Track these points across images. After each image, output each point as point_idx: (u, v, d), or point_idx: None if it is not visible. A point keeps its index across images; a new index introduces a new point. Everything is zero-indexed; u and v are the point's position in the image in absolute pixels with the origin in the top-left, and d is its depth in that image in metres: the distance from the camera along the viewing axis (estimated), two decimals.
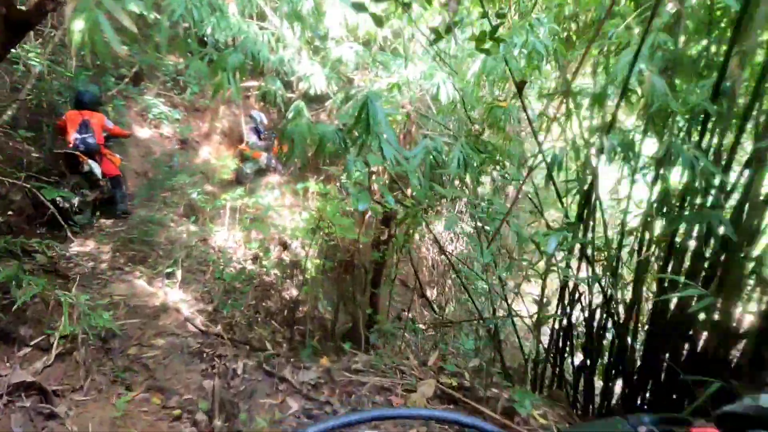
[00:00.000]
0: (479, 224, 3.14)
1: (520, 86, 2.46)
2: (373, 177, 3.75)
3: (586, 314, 2.57)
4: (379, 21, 2.18)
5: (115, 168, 5.20)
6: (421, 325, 5.89)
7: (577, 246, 2.40)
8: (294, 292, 6.29)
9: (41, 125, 5.68)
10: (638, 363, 2.46)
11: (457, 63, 4.03)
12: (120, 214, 5.18)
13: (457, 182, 3.73)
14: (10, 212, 4.55)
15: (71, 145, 4.73)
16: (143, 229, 5.05)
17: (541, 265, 2.67)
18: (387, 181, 3.17)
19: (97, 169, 4.81)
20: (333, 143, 2.49)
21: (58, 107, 5.81)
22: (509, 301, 3.09)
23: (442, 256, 7.53)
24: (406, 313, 5.35)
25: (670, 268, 2.29)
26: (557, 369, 2.84)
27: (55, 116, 5.85)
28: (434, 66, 3.74)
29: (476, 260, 7.93)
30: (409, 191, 4.27)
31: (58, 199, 4.19)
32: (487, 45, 1.99)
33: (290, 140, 2.73)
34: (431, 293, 8.18)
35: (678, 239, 2.26)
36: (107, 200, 5.18)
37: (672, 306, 2.28)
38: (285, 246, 6.71)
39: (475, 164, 2.76)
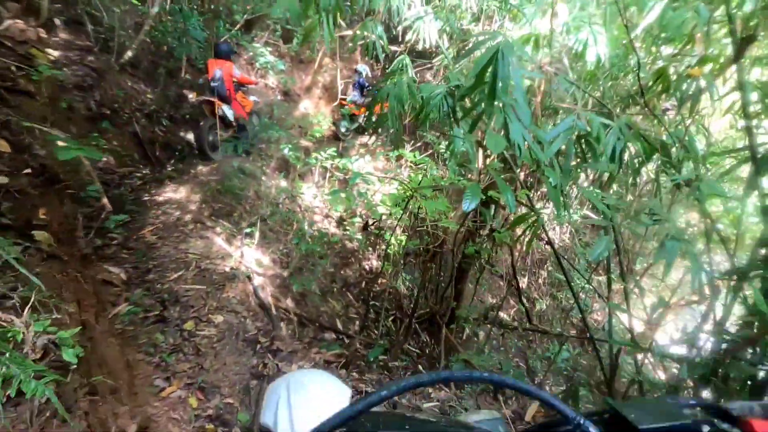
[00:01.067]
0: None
1: (744, 44, 1.55)
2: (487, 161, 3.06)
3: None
4: None
5: (244, 112, 5.74)
6: (511, 323, 5.17)
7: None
8: (374, 263, 5.96)
9: (158, 67, 5.86)
10: None
11: (611, 14, 3.02)
12: (242, 154, 5.81)
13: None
14: (119, 150, 4.77)
15: (208, 92, 5.31)
16: (235, 180, 5.00)
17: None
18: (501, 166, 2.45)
19: (229, 113, 5.40)
20: (438, 111, 1.85)
21: (173, 50, 5.94)
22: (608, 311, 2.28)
23: (543, 245, 6.58)
24: (494, 313, 4.69)
25: None
26: None
27: (172, 59, 6.02)
28: (581, 16, 2.82)
29: (580, 256, 6.83)
30: (521, 174, 3.50)
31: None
32: None
33: (386, 101, 2.17)
34: (522, 283, 7.32)
35: None
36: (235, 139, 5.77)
37: None
38: (371, 216, 6.34)
39: (637, 160, 1.93)
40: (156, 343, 2.12)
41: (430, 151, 6.64)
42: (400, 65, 3.81)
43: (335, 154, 6.00)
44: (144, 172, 4.83)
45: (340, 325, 3.97)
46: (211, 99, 5.24)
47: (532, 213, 1.92)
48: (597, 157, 1.73)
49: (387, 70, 3.98)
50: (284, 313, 3.18)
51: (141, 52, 5.83)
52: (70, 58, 4.84)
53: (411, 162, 6.29)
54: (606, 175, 2.48)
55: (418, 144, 7.01)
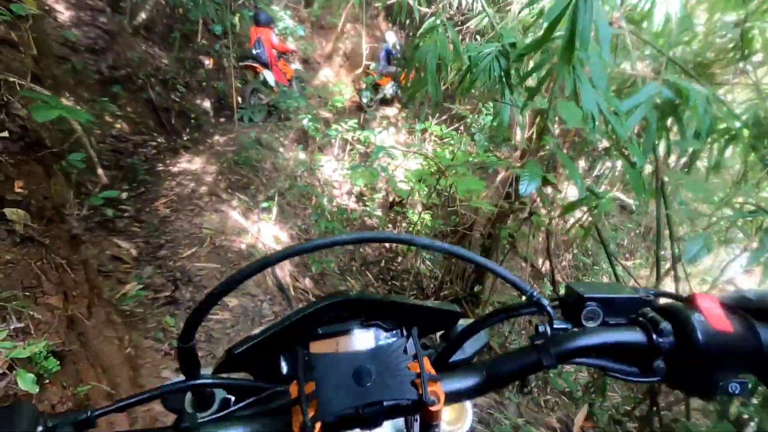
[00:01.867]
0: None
1: None
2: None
3: None
4: None
5: (284, 79, 5.99)
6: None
7: None
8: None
9: (173, 30, 5.58)
10: None
11: None
12: (281, 117, 6.03)
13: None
14: (133, 117, 4.57)
15: (251, 58, 5.62)
16: (252, 151, 4.79)
17: None
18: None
19: (270, 79, 5.65)
20: (488, 74, 1.56)
21: (189, 12, 5.63)
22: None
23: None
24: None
25: None
26: None
27: (188, 22, 5.72)
28: None
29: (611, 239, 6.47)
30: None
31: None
32: None
33: (420, 65, 1.87)
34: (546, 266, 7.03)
35: None
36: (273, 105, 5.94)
37: None
38: (395, 193, 6.09)
39: (724, 138, 1.62)
40: (165, 327, 1.97)
41: (456, 124, 6.27)
42: (431, 26, 3.44)
43: (356, 126, 5.70)
44: (159, 140, 4.64)
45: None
46: (253, 65, 5.54)
47: (593, 197, 1.63)
48: (684, 132, 1.43)
49: (419, 33, 3.63)
50: (302, 294, 3.01)
51: (155, 14, 5.55)
52: (82, 19, 4.60)
53: (436, 136, 5.95)
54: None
55: (443, 117, 6.63)
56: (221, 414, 0.41)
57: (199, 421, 0.38)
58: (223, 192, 3.55)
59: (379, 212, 5.90)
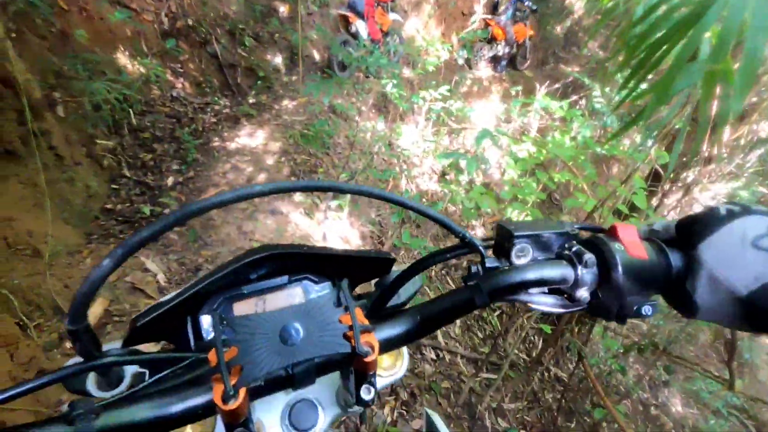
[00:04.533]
0: None
1: None
2: None
3: None
4: None
5: (378, 31, 5.29)
6: None
7: None
8: (479, 234, 4.83)
9: None
10: None
11: None
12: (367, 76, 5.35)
13: None
14: (195, 75, 3.99)
15: (347, 4, 5.04)
16: (324, 120, 4.04)
17: None
18: None
19: (363, 30, 5.02)
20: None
21: None
22: None
23: None
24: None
25: None
26: None
27: None
28: None
29: None
30: None
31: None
32: None
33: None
34: None
35: None
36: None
37: None
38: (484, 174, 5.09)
39: None
40: None
41: (573, 97, 4.95)
42: None
43: (449, 92, 4.69)
44: (222, 103, 4.05)
45: (438, 332, 3.05)
46: (346, 13, 4.93)
47: None
48: None
49: None
50: None
51: None
52: None
53: (544, 110, 4.75)
54: None
55: (556, 86, 5.32)
56: (128, 393, 0.34)
57: (99, 404, 0.32)
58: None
59: (463, 200, 4.99)
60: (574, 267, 0.39)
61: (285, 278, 0.45)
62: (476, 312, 3.84)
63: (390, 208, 3.87)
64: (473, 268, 0.41)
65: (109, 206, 2.24)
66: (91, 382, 0.40)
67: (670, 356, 2.39)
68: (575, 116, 3.85)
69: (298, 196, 2.80)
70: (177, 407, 0.33)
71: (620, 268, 0.37)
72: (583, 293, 0.39)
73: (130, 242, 0.30)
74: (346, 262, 0.46)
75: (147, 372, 0.40)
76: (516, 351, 2.99)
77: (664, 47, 0.74)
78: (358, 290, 0.51)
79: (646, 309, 0.39)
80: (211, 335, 0.39)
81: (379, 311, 0.47)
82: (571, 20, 8.56)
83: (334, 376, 0.47)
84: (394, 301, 0.48)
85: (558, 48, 8.20)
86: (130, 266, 1.78)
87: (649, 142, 4.68)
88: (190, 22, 4.00)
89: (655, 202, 3.32)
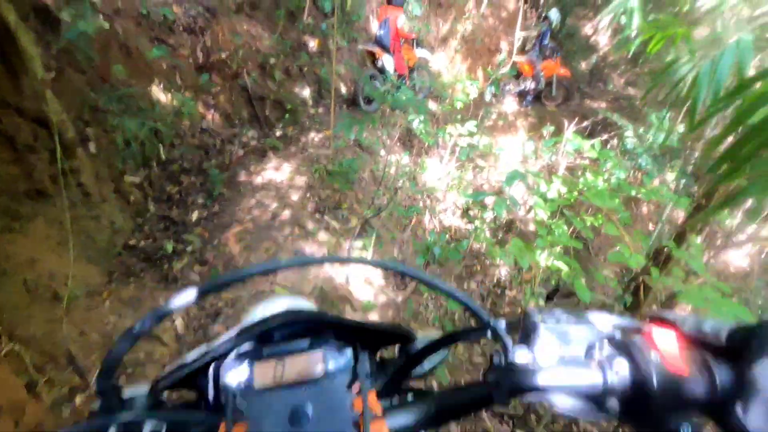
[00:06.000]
0: None
1: None
2: None
3: None
4: None
5: (404, 66, 5.26)
6: None
7: None
8: (504, 273, 4.65)
9: (278, 6, 4.97)
10: None
11: None
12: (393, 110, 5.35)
13: None
14: (225, 107, 4.05)
15: (373, 39, 5.11)
16: (349, 156, 4.02)
17: None
18: None
19: (390, 65, 5.05)
20: None
21: None
22: None
23: None
24: None
25: None
26: None
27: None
28: None
29: None
30: None
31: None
32: None
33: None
34: None
35: None
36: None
37: None
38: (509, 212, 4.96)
39: None
40: None
41: (604, 136, 4.82)
42: None
43: (475, 130, 4.63)
44: (249, 134, 4.09)
45: (462, 383, 2.86)
46: (373, 49, 5.00)
47: None
48: None
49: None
50: None
51: None
52: None
53: (576, 151, 4.63)
54: None
55: (585, 124, 5.22)
56: None
57: None
58: (309, 219, 2.80)
59: (486, 233, 4.84)
60: (604, 374, 0.36)
61: (307, 342, 0.45)
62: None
63: (413, 246, 3.77)
64: (495, 360, 0.39)
65: (132, 242, 2.21)
66: None
67: None
68: (608, 157, 3.73)
69: (322, 236, 2.73)
70: None
71: (655, 384, 0.34)
72: (612, 402, 0.36)
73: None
74: (369, 332, 0.47)
75: (165, 425, 0.41)
76: None
77: None
78: (384, 353, 0.52)
79: (685, 429, 0.35)
80: (228, 399, 0.40)
81: (398, 385, 0.46)
82: (596, 56, 8.53)
83: None
84: (417, 370, 0.47)
85: (584, 84, 8.14)
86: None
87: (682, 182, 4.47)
88: (224, 56, 4.10)
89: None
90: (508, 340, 0.39)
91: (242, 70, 4.27)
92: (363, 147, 4.48)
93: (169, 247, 2.21)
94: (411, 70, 5.51)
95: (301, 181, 3.27)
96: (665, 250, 2.95)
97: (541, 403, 0.38)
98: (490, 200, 4.69)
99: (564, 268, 2.57)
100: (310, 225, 2.76)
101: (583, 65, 8.30)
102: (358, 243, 3.02)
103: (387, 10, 5.06)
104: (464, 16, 7.22)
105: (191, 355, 0.42)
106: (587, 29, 8.92)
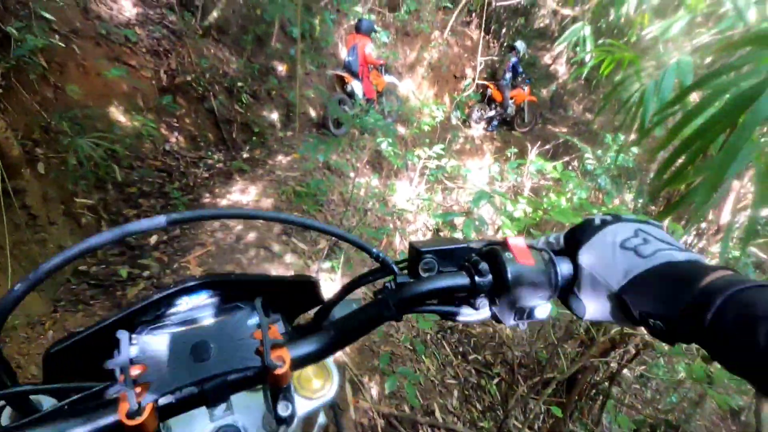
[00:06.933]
0: None
1: None
2: None
3: None
4: None
5: (373, 91, 5.37)
6: None
7: None
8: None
9: (247, 31, 4.99)
10: None
11: None
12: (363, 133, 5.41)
13: None
14: (191, 129, 3.97)
15: (342, 65, 5.22)
16: (318, 178, 3.99)
17: None
18: None
19: (359, 90, 5.14)
20: None
21: (267, 14, 5.02)
22: None
23: None
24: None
25: None
26: None
27: (263, 23, 5.13)
28: None
29: None
30: None
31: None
32: None
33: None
34: None
35: None
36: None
37: None
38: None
39: None
40: None
41: (565, 159, 5.03)
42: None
43: (443, 152, 4.73)
44: (216, 157, 4.00)
45: (435, 405, 2.81)
46: (342, 74, 5.12)
47: None
48: None
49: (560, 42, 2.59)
50: (365, 414, 2.08)
51: (231, 13, 5.01)
52: (149, 17, 4.09)
53: (539, 172, 4.79)
54: None
55: (547, 147, 5.43)
56: (31, 418, 0.34)
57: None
58: (275, 241, 2.73)
59: None
60: (471, 276, 0.41)
61: (214, 307, 0.45)
62: (473, 381, 3.59)
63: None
64: (387, 284, 0.43)
65: (82, 267, 2.07)
66: (6, 416, 0.40)
67: None
68: (570, 178, 3.87)
69: (288, 258, 2.66)
70: (82, 428, 0.31)
71: (509, 274, 0.39)
72: (482, 300, 0.41)
73: (45, 268, 0.32)
74: (272, 287, 0.49)
75: (57, 398, 0.40)
76: None
77: (710, 132, 0.66)
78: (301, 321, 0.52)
79: (539, 311, 0.41)
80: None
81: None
82: (556, 84, 9.01)
83: (260, 402, 0.47)
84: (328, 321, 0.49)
85: (546, 110, 8.55)
86: None
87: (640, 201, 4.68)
88: (189, 79, 4.04)
89: None
90: (395, 267, 0.44)
91: (209, 93, 4.22)
92: (332, 169, 4.47)
93: (124, 272, 2.09)
94: (380, 94, 5.62)
95: (267, 203, 3.20)
96: None
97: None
98: (459, 220, 4.76)
99: None
100: (277, 247, 2.69)
101: (544, 93, 8.74)
102: (327, 264, 2.96)
103: (355, 37, 5.21)
104: (430, 44, 7.49)
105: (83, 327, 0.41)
106: (546, 59, 9.45)
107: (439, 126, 5.26)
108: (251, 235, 2.68)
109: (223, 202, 3.04)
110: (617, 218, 0.41)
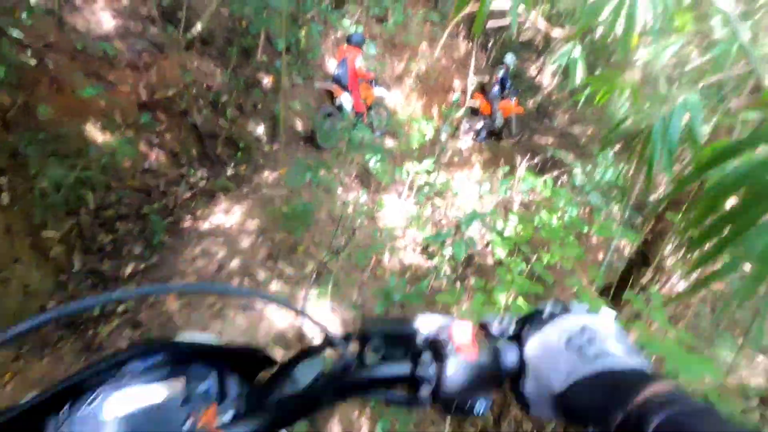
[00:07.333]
0: None
1: None
2: None
3: None
4: None
5: (362, 105, 5.31)
6: None
7: None
8: (465, 307, 4.58)
9: (232, 44, 4.87)
10: None
11: None
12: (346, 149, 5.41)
13: None
14: (170, 146, 3.83)
15: (332, 78, 5.13)
16: (305, 196, 3.88)
17: None
18: None
19: (348, 103, 5.05)
20: None
21: (253, 26, 4.92)
22: None
23: None
24: None
25: None
26: None
27: (249, 35, 5.02)
28: None
29: None
30: None
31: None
32: None
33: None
34: None
35: None
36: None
37: None
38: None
39: None
40: None
41: (554, 172, 5.01)
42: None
43: (432, 168, 4.67)
44: (198, 175, 3.86)
45: None
46: (330, 87, 5.03)
47: None
48: None
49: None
50: None
51: (216, 26, 4.89)
52: (129, 30, 3.95)
53: (530, 189, 4.76)
54: None
55: (536, 160, 5.42)
56: None
57: None
58: (260, 267, 2.61)
59: (447, 268, 4.79)
60: (413, 367, 0.41)
61: (166, 370, 0.45)
62: None
63: (371, 288, 3.63)
64: (331, 365, 0.44)
65: (50, 305, 1.93)
66: None
67: None
68: (560, 195, 3.84)
69: (274, 286, 2.54)
70: None
71: (447, 370, 0.39)
72: (423, 391, 0.41)
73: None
74: (223, 354, 0.47)
75: None
76: None
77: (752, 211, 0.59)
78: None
79: (478, 407, 0.40)
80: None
81: (262, 402, 0.48)
82: (541, 95, 9.09)
83: None
84: (290, 387, 0.48)
85: (532, 120, 8.60)
86: None
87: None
88: (171, 93, 3.90)
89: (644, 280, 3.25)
90: (344, 348, 0.43)
91: (192, 107, 4.08)
92: (320, 185, 4.37)
93: (96, 309, 1.95)
94: (369, 108, 5.55)
95: (252, 224, 3.08)
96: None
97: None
98: (450, 244, 4.70)
99: (524, 307, 2.52)
100: (262, 274, 2.57)
101: (530, 103, 8.80)
102: (314, 292, 2.85)
103: (345, 51, 5.12)
104: (418, 56, 7.47)
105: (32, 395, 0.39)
106: (532, 70, 9.54)
107: (428, 143, 5.21)
108: (234, 262, 2.56)
109: (206, 225, 2.90)
110: (566, 310, 0.41)
